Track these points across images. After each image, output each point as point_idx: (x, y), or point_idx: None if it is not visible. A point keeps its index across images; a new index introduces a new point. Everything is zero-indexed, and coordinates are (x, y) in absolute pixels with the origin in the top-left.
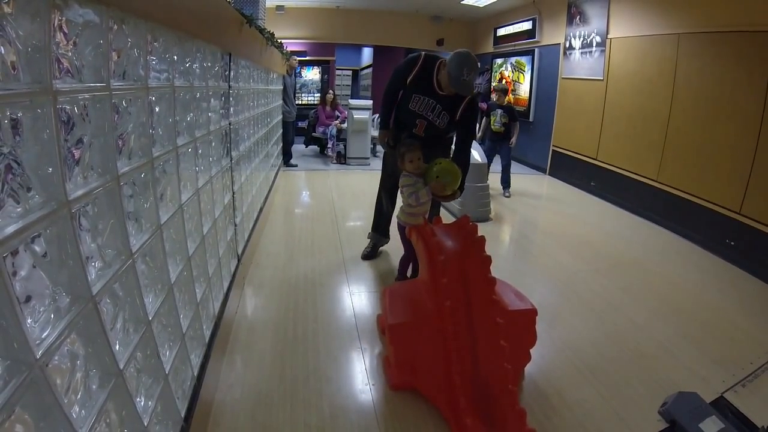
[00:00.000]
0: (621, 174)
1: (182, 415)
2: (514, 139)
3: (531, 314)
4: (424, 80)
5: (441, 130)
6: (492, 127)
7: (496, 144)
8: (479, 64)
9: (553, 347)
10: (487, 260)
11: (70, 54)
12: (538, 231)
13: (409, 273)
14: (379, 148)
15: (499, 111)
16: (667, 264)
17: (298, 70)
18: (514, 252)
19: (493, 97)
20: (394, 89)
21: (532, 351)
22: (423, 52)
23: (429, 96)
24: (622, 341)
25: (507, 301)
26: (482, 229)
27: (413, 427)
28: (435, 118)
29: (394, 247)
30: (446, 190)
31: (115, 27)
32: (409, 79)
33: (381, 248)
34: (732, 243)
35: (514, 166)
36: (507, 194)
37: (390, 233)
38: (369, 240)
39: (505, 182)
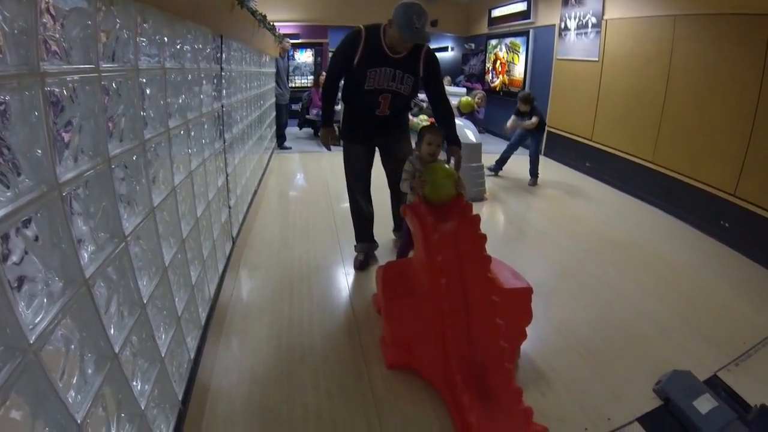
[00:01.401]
0: (616, 155)
1: (179, 398)
2: (531, 122)
3: (526, 292)
4: (374, 51)
5: (406, 97)
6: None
7: (527, 133)
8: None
9: (549, 326)
10: (482, 239)
11: (57, 36)
12: (533, 211)
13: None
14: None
15: (527, 119)
16: (662, 245)
17: (290, 53)
18: (509, 231)
19: (519, 107)
20: (337, 77)
21: (527, 329)
22: (361, 26)
23: (385, 65)
24: (618, 320)
25: (502, 280)
26: (477, 209)
27: (410, 405)
28: (399, 85)
29: (386, 232)
30: (427, 190)
31: (104, 8)
32: (356, 59)
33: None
34: (726, 224)
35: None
36: (533, 183)
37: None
38: (358, 252)
39: (533, 172)
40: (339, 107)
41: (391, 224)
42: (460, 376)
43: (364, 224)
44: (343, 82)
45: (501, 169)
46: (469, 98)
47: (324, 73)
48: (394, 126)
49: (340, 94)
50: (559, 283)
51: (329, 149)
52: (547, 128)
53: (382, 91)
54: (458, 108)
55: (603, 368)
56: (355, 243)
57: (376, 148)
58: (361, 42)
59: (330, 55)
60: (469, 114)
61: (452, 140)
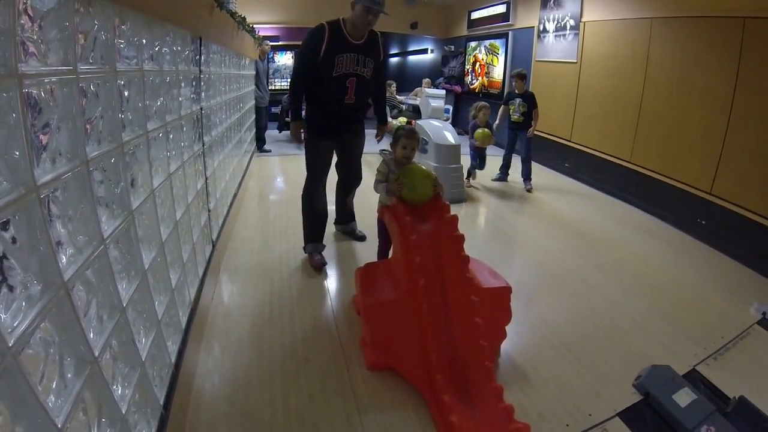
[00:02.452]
0: (595, 155)
1: (161, 402)
2: (532, 129)
3: (505, 292)
4: (339, 39)
5: (368, 81)
6: (511, 116)
7: (515, 134)
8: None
9: (529, 324)
10: (460, 239)
11: (35, 37)
12: (512, 211)
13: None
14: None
15: (518, 100)
16: (640, 242)
17: (270, 55)
18: (488, 232)
19: (513, 84)
20: (306, 71)
21: (507, 328)
22: (322, 22)
23: (350, 51)
24: (597, 318)
25: (481, 279)
26: (456, 211)
27: (391, 406)
28: (362, 68)
29: (367, 233)
30: (405, 191)
31: (81, 9)
32: (323, 49)
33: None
34: (703, 222)
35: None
36: (529, 188)
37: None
38: (310, 253)
39: (527, 175)
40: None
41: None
42: (440, 375)
43: (321, 223)
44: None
45: (508, 174)
46: (485, 130)
47: None
48: (356, 121)
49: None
50: (538, 281)
51: (300, 141)
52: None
53: (348, 75)
54: (476, 142)
55: (583, 365)
56: (306, 244)
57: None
58: (326, 33)
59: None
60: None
61: (382, 120)
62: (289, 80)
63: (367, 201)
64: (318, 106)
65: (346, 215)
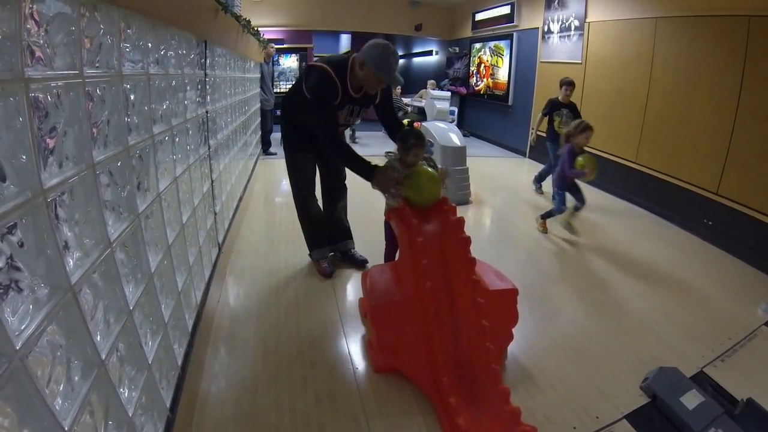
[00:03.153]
0: (600, 156)
1: (167, 405)
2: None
3: (512, 294)
4: (345, 97)
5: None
6: (557, 129)
7: (557, 146)
8: (458, 48)
9: (535, 326)
10: (467, 241)
11: (41, 41)
12: (518, 213)
13: None
14: (359, 134)
15: (565, 110)
16: (646, 243)
17: (275, 58)
18: (494, 234)
19: (561, 94)
20: (334, 124)
21: (514, 330)
22: (325, 66)
23: (349, 104)
24: (603, 319)
25: (488, 281)
26: (462, 212)
27: (398, 409)
28: (355, 119)
29: (374, 237)
30: (412, 194)
31: (87, 14)
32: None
33: (352, 253)
34: (710, 222)
35: (493, 149)
36: (538, 189)
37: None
38: (317, 261)
39: (541, 179)
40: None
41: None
42: (447, 378)
43: (320, 228)
44: (294, 101)
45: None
46: (586, 156)
47: None
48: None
49: (279, 109)
50: (544, 283)
51: (399, 196)
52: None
53: (342, 125)
54: (582, 172)
55: (589, 367)
56: (311, 251)
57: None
58: (339, 89)
59: (314, 60)
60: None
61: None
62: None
63: (373, 205)
64: (300, 128)
65: (338, 231)
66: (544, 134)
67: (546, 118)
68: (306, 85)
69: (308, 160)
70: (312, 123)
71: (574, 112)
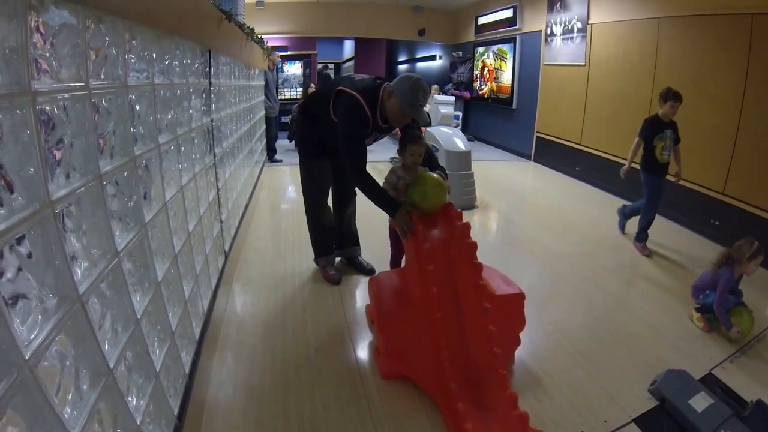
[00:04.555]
0: (605, 158)
1: (175, 413)
2: (680, 171)
3: (519, 298)
4: (373, 127)
5: None
6: (658, 157)
7: (660, 178)
8: (461, 52)
9: (542, 331)
10: (473, 246)
11: (47, 54)
12: (524, 217)
13: None
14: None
15: (669, 132)
16: (652, 245)
17: (279, 65)
18: (500, 238)
19: (664, 109)
20: (364, 158)
21: (521, 335)
22: (357, 95)
23: (375, 131)
24: (611, 322)
25: (494, 286)
26: (468, 217)
27: (405, 415)
28: (373, 141)
29: (379, 243)
30: (417, 199)
31: (92, 26)
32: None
33: (359, 260)
34: (716, 223)
35: (499, 154)
36: (644, 249)
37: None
38: (323, 267)
39: (629, 215)
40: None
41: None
42: (454, 383)
43: (329, 235)
44: (314, 112)
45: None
46: (748, 318)
47: (313, 85)
48: None
49: (298, 113)
50: (551, 287)
51: (409, 232)
52: (536, 134)
53: (366, 156)
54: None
55: (597, 371)
56: (318, 257)
57: None
58: (369, 119)
59: (318, 66)
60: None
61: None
62: (298, 90)
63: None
64: (316, 138)
65: (346, 237)
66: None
67: (643, 144)
68: (335, 110)
69: (324, 168)
70: (340, 150)
71: (676, 133)
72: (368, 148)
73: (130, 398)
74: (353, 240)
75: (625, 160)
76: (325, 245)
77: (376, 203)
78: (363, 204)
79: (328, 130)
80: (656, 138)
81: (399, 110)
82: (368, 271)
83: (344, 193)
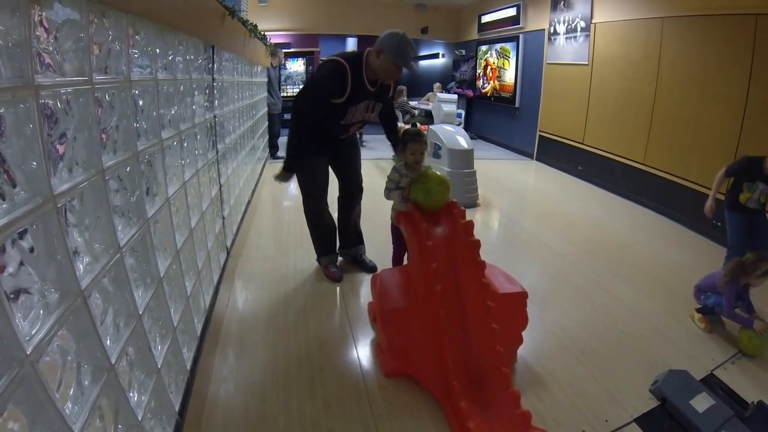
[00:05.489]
0: (608, 158)
1: (176, 409)
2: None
3: (521, 297)
4: (358, 89)
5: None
6: (742, 202)
7: (753, 219)
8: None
9: (545, 329)
10: (476, 244)
11: (51, 48)
12: (526, 216)
13: None
14: (366, 137)
15: (761, 186)
16: (654, 245)
17: (282, 62)
18: (503, 237)
19: None
20: (311, 118)
21: (523, 333)
22: (341, 60)
23: (365, 99)
24: (612, 322)
25: (497, 285)
26: (470, 215)
27: (407, 413)
28: (370, 114)
29: (382, 241)
30: (420, 197)
31: (96, 21)
32: (345, 97)
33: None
34: (718, 224)
35: (502, 152)
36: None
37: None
38: (325, 266)
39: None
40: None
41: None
42: (457, 381)
43: (330, 235)
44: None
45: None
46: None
47: None
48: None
49: (287, 113)
50: (553, 286)
51: (280, 182)
52: (538, 133)
53: (357, 123)
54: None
55: (599, 370)
56: (319, 257)
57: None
58: (349, 80)
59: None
60: None
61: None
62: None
63: (379, 208)
64: (311, 134)
65: (351, 236)
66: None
67: (730, 180)
68: (315, 75)
69: (321, 164)
70: (295, 106)
71: None
72: (371, 140)
73: (131, 394)
74: (358, 239)
75: (626, 159)
76: (326, 244)
77: (287, 154)
78: (366, 202)
79: (319, 122)
80: (746, 185)
81: (391, 65)
82: (371, 268)
83: (352, 192)
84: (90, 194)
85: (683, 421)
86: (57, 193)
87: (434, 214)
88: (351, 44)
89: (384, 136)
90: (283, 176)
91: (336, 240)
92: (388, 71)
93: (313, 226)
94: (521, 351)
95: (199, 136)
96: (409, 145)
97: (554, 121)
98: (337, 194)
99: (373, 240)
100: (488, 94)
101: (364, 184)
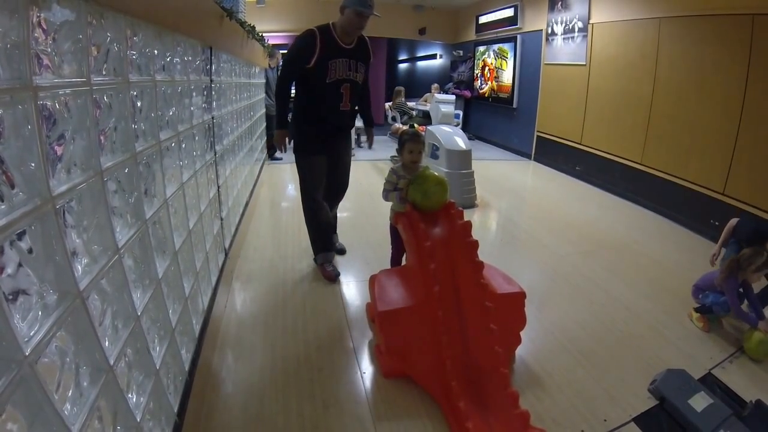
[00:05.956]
0: (606, 158)
1: (175, 410)
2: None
3: (520, 297)
4: (330, 46)
5: (360, 85)
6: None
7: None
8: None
9: (543, 330)
10: (474, 244)
11: (49, 49)
12: (524, 216)
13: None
14: (364, 138)
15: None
16: (652, 245)
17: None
18: (501, 237)
19: None
20: (292, 77)
21: (522, 334)
22: (310, 28)
23: (342, 56)
24: (611, 321)
25: (495, 285)
26: (468, 216)
27: (406, 414)
28: (355, 73)
29: (380, 241)
30: (418, 198)
31: (94, 22)
32: (316, 57)
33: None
34: (716, 223)
35: (500, 153)
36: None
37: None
38: (321, 265)
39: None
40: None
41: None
42: (456, 382)
43: (327, 232)
44: (297, 94)
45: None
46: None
47: None
48: (346, 128)
49: (292, 112)
50: (551, 286)
51: (284, 150)
52: (536, 133)
53: (342, 81)
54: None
55: (597, 370)
56: (316, 255)
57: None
58: (318, 39)
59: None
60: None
61: (370, 122)
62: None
63: (377, 208)
64: (310, 118)
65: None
66: None
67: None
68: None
69: (318, 161)
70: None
71: None
72: (362, 136)
73: (130, 395)
74: (334, 229)
75: (624, 159)
76: (323, 242)
77: (275, 119)
78: (364, 203)
79: (313, 98)
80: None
81: (354, 15)
82: (340, 251)
83: (336, 193)
84: (88, 195)
85: (682, 420)
86: (55, 195)
87: (432, 215)
88: None
89: (384, 137)
90: (278, 136)
91: (332, 238)
92: (353, 22)
93: (311, 225)
94: (519, 351)
95: (197, 138)
96: (406, 144)
97: (552, 121)
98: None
99: (370, 241)
100: (486, 95)
101: (362, 185)
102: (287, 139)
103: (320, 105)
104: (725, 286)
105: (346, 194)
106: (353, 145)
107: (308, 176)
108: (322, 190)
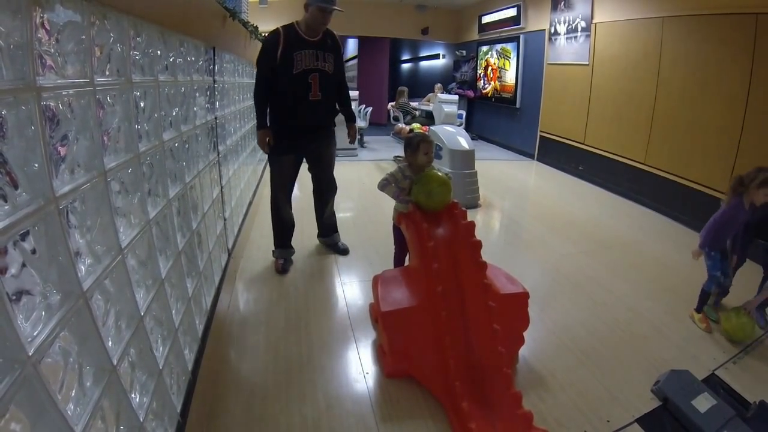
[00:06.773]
0: (609, 158)
1: (178, 410)
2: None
3: (523, 297)
4: (294, 39)
5: (332, 76)
6: None
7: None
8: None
9: (546, 330)
10: (477, 245)
11: (52, 50)
12: (527, 216)
13: None
14: (367, 138)
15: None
16: (656, 245)
17: None
18: (504, 237)
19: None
20: (265, 78)
21: (525, 334)
22: (277, 27)
23: (307, 48)
24: (614, 322)
25: (498, 285)
26: (471, 216)
27: (409, 414)
28: (323, 63)
29: (383, 241)
30: (422, 198)
31: (97, 22)
32: (280, 51)
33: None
34: None
35: (503, 153)
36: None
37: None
38: (278, 257)
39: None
40: None
41: (312, 231)
42: (459, 382)
43: (286, 231)
44: (271, 94)
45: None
46: (739, 319)
47: None
48: (324, 127)
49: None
50: (554, 286)
51: (266, 152)
52: (539, 133)
53: (309, 71)
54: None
55: (600, 370)
56: (274, 249)
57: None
58: (281, 36)
59: None
60: None
61: (350, 118)
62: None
63: (380, 207)
64: (281, 115)
65: (326, 227)
66: None
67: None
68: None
69: (288, 162)
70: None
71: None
72: (372, 141)
73: (133, 395)
74: (333, 228)
75: (627, 159)
76: (281, 239)
77: (256, 116)
78: (367, 202)
79: (282, 93)
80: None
81: (318, 12)
82: (342, 251)
83: (321, 190)
84: (92, 196)
85: (685, 421)
86: (59, 195)
87: (435, 215)
88: (351, 45)
89: (387, 137)
90: (259, 136)
91: (290, 237)
92: (317, 18)
93: (274, 220)
94: (523, 351)
95: (200, 138)
96: (421, 146)
97: (555, 121)
98: (312, 190)
99: (374, 240)
100: (489, 95)
101: (364, 185)
102: (268, 139)
103: (289, 97)
104: (729, 213)
105: (348, 194)
106: (356, 145)
107: (275, 175)
108: (291, 190)
